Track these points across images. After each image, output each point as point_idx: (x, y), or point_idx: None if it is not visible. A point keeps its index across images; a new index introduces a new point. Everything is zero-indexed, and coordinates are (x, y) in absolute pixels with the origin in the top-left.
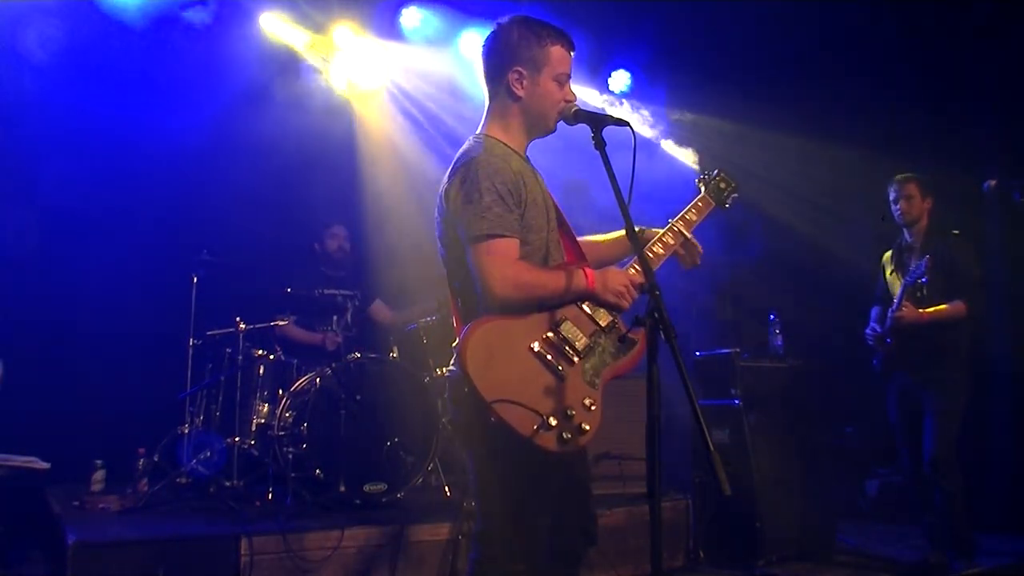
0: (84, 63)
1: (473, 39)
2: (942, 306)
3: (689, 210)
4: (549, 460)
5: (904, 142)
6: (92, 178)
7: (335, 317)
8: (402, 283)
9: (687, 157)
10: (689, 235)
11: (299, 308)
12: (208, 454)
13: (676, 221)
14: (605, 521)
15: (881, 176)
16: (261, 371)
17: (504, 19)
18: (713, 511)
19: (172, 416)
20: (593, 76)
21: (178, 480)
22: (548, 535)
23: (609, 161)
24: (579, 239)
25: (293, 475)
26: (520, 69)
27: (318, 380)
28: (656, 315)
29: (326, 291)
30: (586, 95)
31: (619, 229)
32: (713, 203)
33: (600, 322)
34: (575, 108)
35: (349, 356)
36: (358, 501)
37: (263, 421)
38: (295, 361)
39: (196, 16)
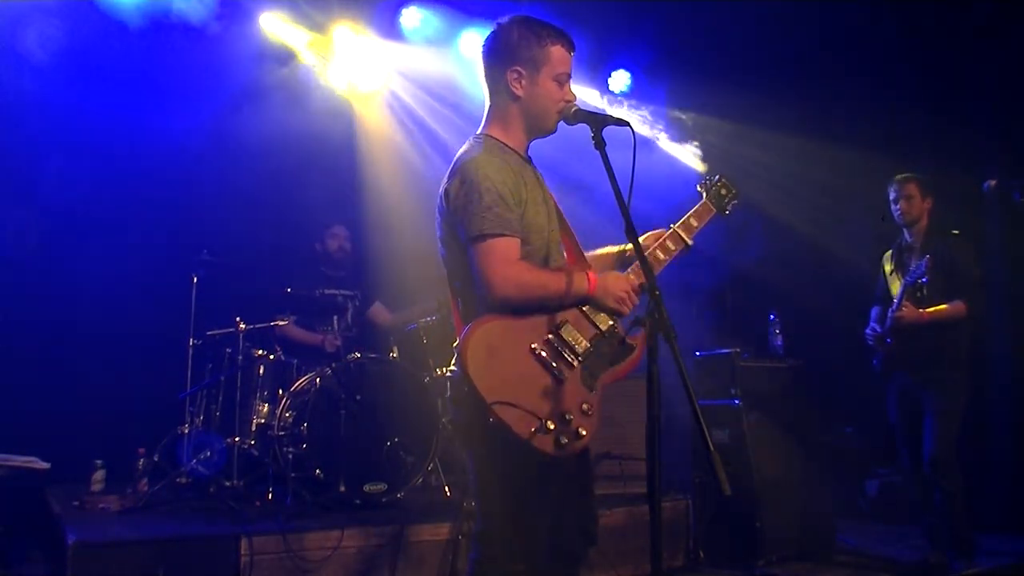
0: (84, 63)
1: (473, 39)
2: (942, 306)
3: (691, 216)
4: (548, 461)
5: (904, 142)
6: (92, 178)
7: (335, 317)
8: (402, 283)
9: (687, 157)
10: (690, 241)
11: (299, 308)
12: (208, 454)
13: (678, 226)
14: (605, 521)
15: (881, 176)
16: (261, 371)
17: (504, 19)
18: (713, 511)
19: (172, 416)
20: (593, 76)
21: (178, 480)
22: (548, 535)
23: (609, 161)
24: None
25: (293, 475)
26: (519, 69)
27: (318, 380)
28: (656, 315)
29: (326, 291)
30: (586, 95)
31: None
32: (714, 210)
33: (600, 326)
34: (575, 108)
35: (349, 356)
36: (358, 501)
37: (263, 421)
38: (295, 361)
39: (196, 16)
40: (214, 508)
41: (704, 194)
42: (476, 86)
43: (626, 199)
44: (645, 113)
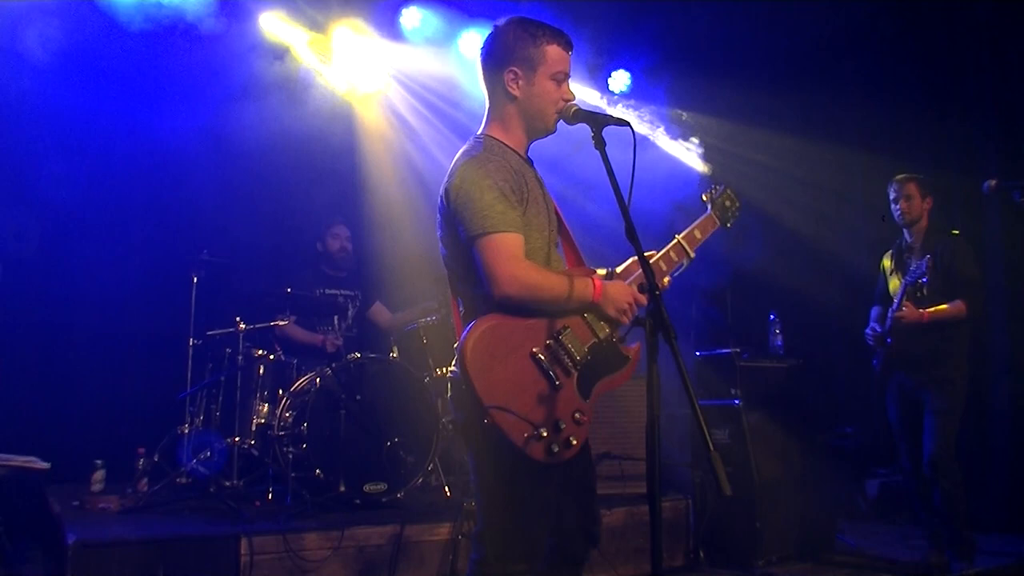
0: (84, 63)
1: (473, 39)
2: (942, 306)
3: (695, 228)
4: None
5: (904, 142)
6: (92, 178)
7: (336, 317)
8: (403, 283)
9: (687, 156)
10: (693, 254)
11: (300, 308)
12: (208, 454)
13: (681, 238)
14: (605, 521)
15: (881, 176)
16: (261, 371)
17: (501, 21)
18: (713, 511)
19: (172, 416)
20: (593, 76)
21: (178, 480)
22: (549, 536)
23: (609, 161)
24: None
25: (293, 475)
26: (515, 69)
27: (318, 380)
28: (656, 315)
29: (327, 291)
30: (586, 95)
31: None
32: (718, 223)
33: (599, 334)
34: (575, 108)
35: (349, 356)
36: (358, 501)
37: (263, 421)
38: (295, 361)
39: (196, 16)
40: (214, 508)
41: (709, 205)
42: (476, 86)
43: (626, 199)
44: (645, 113)
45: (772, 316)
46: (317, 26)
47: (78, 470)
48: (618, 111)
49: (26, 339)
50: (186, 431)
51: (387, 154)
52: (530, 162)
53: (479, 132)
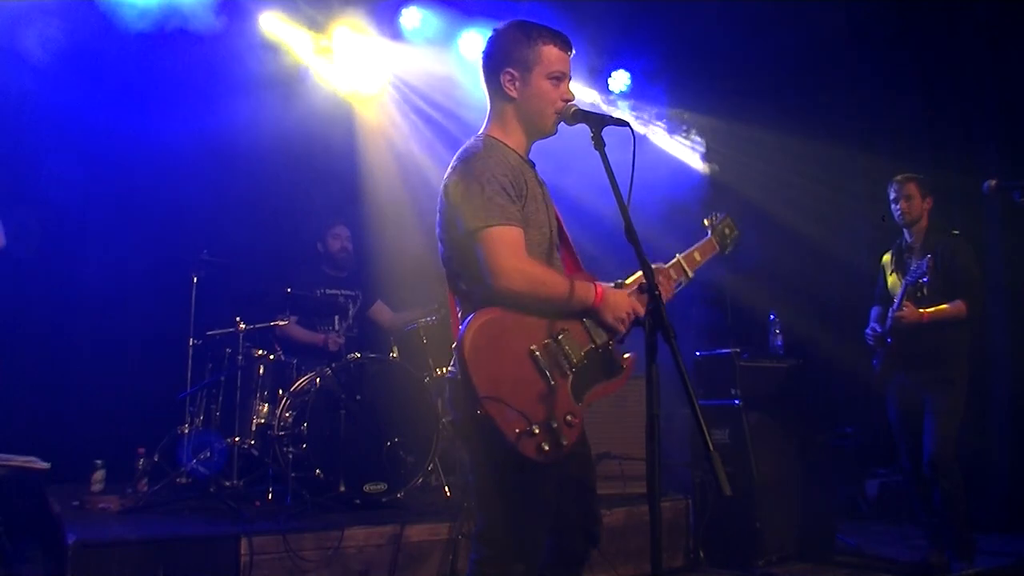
0: (84, 63)
1: (473, 39)
2: (942, 306)
3: (695, 250)
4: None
5: (904, 142)
6: (92, 178)
7: (336, 317)
8: (403, 283)
9: (686, 156)
10: (692, 274)
11: (300, 308)
12: (208, 454)
13: (682, 257)
14: (605, 521)
15: (881, 176)
16: (261, 371)
17: (501, 24)
18: (713, 511)
19: (172, 416)
20: (593, 76)
21: (178, 480)
22: (549, 535)
23: (609, 161)
24: None
25: (293, 475)
26: (512, 70)
27: (318, 380)
28: (656, 315)
29: (328, 291)
30: (586, 95)
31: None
32: (717, 248)
33: (596, 340)
34: (574, 108)
35: (349, 356)
36: (358, 501)
37: (263, 421)
38: (295, 361)
39: (196, 15)
40: (214, 508)
41: (710, 230)
42: (476, 86)
43: (626, 199)
44: (645, 113)
45: (772, 316)
46: (317, 26)
47: (78, 470)
48: (618, 111)
49: (26, 339)
50: (186, 431)
51: (387, 154)
52: (532, 164)
53: (480, 132)
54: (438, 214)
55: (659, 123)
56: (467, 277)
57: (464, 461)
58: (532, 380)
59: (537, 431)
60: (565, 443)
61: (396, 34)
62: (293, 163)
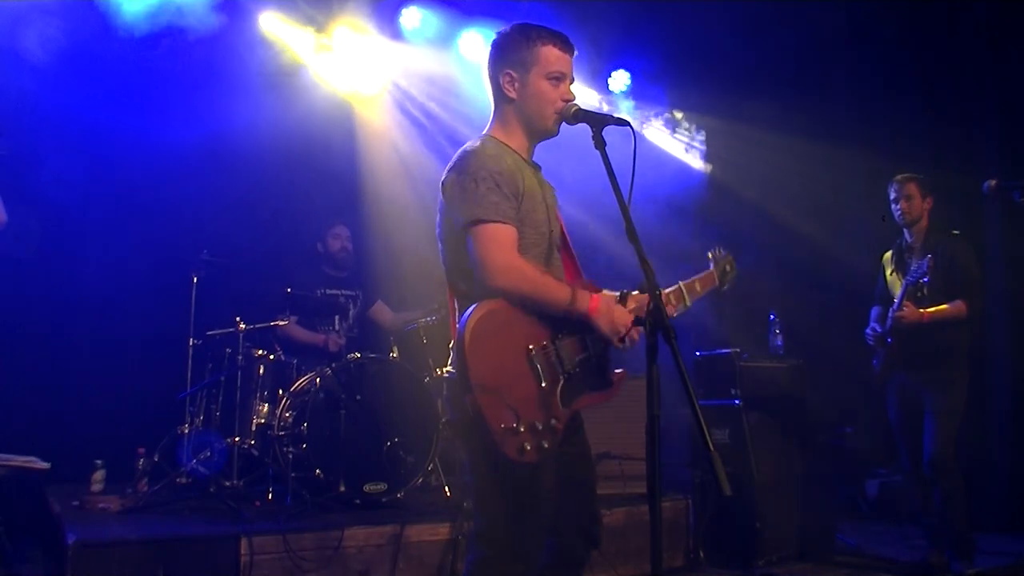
0: (84, 63)
1: (473, 39)
2: (943, 306)
3: (696, 280)
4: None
5: (904, 142)
6: (92, 178)
7: (337, 317)
8: (403, 284)
9: (686, 156)
10: (690, 303)
11: (300, 308)
12: (208, 454)
13: (684, 285)
14: (605, 521)
15: (881, 176)
16: (261, 371)
17: (504, 27)
18: (713, 511)
19: (172, 416)
20: (593, 76)
21: (178, 480)
22: (549, 535)
23: (609, 161)
24: None
25: (293, 475)
26: (510, 72)
27: (318, 380)
28: (656, 315)
29: (328, 291)
30: (586, 95)
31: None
32: (716, 282)
33: (591, 351)
34: (575, 107)
35: (349, 356)
36: (358, 501)
37: (263, 421)
38: (295, 361)
39: (196, 15)
40: (214, 508)
41: (712, 263)
42: (476, 86)
43: (626, 199)
44: (645, 113)
45: (772, 316)
46: (318, 26)
47: (78, 470)
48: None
49: (26, 339)
50: (186, 431)
51: (387, 154)
52: (536, 166)
53: (482, 133)
54: (438, 214)
55: (659, 123)
56: (466, 277)
57: (463, 461)
58: (526, 378)
59: (522, 429)
60: (547, 446)
61: (396, 34)
62: (293, 163)
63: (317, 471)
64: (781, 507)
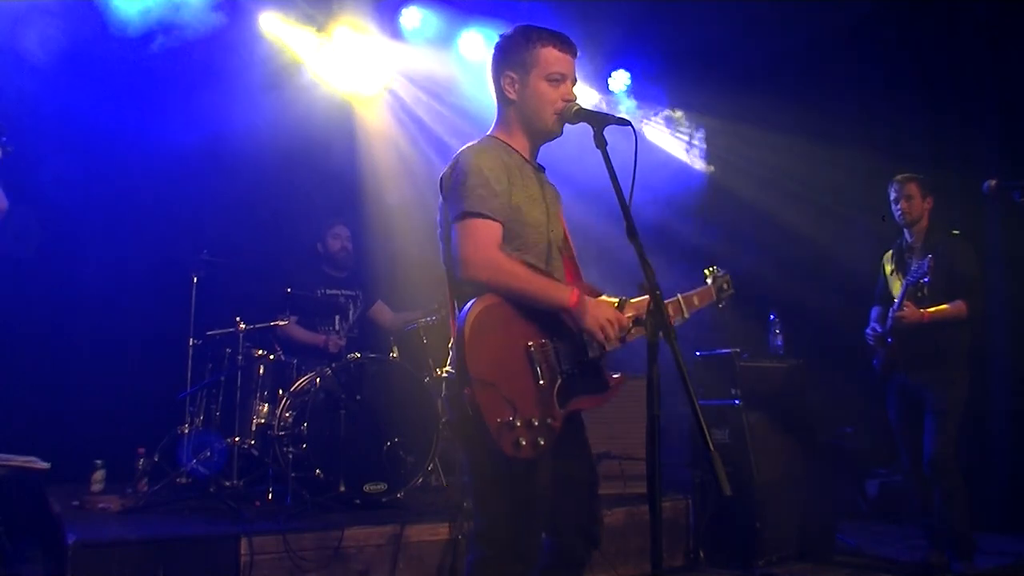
0: (84, 63)
1: (473, 39)
2: (943, 306)
3: (694, 294)
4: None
5: (904, 142)
6: (92, 178)
7: (337, 317)
8: (403, 283)
9: (686, 156)
10: (687, 315)
11: (300, 308)
12: (208, 454)
13: (682, 298)
14: (605, 521)
15: (881, 176)
16: (261, 371)
17: (507, 30)
18: (713, 511)
19: (172, 416)
20: (593, 76)
21: (178, 480)
22: (549, 536)
23: (611, 160)
24: None
25: (293, 475)
26: (510, 74)
27: (318, 380)
28: (656, 315)
29: (328, 291)
30: (586, 95)
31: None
32: (713, 298)
33: (589, 353)
34: (576, 107)
35: (349, 356)
36: (358, 501)
37: (263, 421)
38: (295, 361)
39: (196, 15)
40: (214, 508)
41: (710, 280)
42: (476, 86)
43: (627, 199)
44: (644, 113)
45: (772, 316)
46: (318, 26)
47: (78, 470)
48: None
49: (26, 339)
50: (186, 431)
51: (387, 154)
52: (540, 168)
53: (486, 134)
54: (438, 212)
55: (659, 122)
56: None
57: (463, 461)
58: (524, 374)
59: (518, 424)
60: (543, 443)
61: (396, 34)
62: (293, 163)
63: (317, 471)
64: (781, 507)
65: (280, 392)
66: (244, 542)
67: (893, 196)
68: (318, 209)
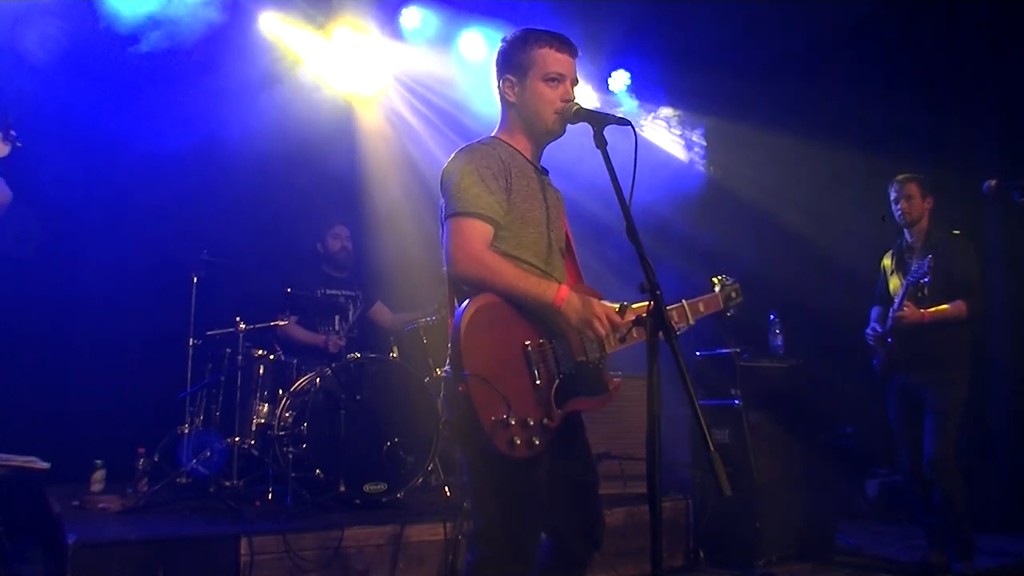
0: (84, 63)
1: (473, 39)
2: (943, 306)
3: (700, 301)
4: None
5: (904, 142)
6: (92, 178)
7: (337, 317)
8: (403, 285)
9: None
10: (692, 321)
11: (300, 308)
12: (208, 454)
13: (687, 304)
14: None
15: (881, 176)
16: (261, 371)
17: (508, 34)
18: (713, 511)
19: (172, 416)
20: (593, 76)
21: (178, 480)
22: (550, 536)
23: (610, 160)
24: None
25: (293, 475)
26: (510, 77)
27: (318, 380)
28: (656, 315)
29: (328, 291)
30: (586, 95)
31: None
32: (720, 306)
33: (588, 355)
34: (576, 107)
35: (349, 356)
36: (358, 501)
37: (263, 421)
38: (295, 361)
39: (196, 15)
40: (214, 508)
41: (717, 287)
42: (476, 86)
43: (627, 199)
44: (645, 112)
45: (772, 316)
46: (318, 26)
47: (78, 470)
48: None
49: (26, 339)
50: (186, 431)
51: (387, 154)
52: (543, 170)
53: (489, 135)
54: (439, 211)
55: (659, 122)
56: None
57: (461, 462)
58: (520, 373)
59: (513, 422)
60: (537, 443)
61: (396, 34)
62: (293, 163)
63: (317, 471)
64: (781, 507)
65: (280, 392)
66: (244, 542)
67: (893, 196)
68: (318, 209)
